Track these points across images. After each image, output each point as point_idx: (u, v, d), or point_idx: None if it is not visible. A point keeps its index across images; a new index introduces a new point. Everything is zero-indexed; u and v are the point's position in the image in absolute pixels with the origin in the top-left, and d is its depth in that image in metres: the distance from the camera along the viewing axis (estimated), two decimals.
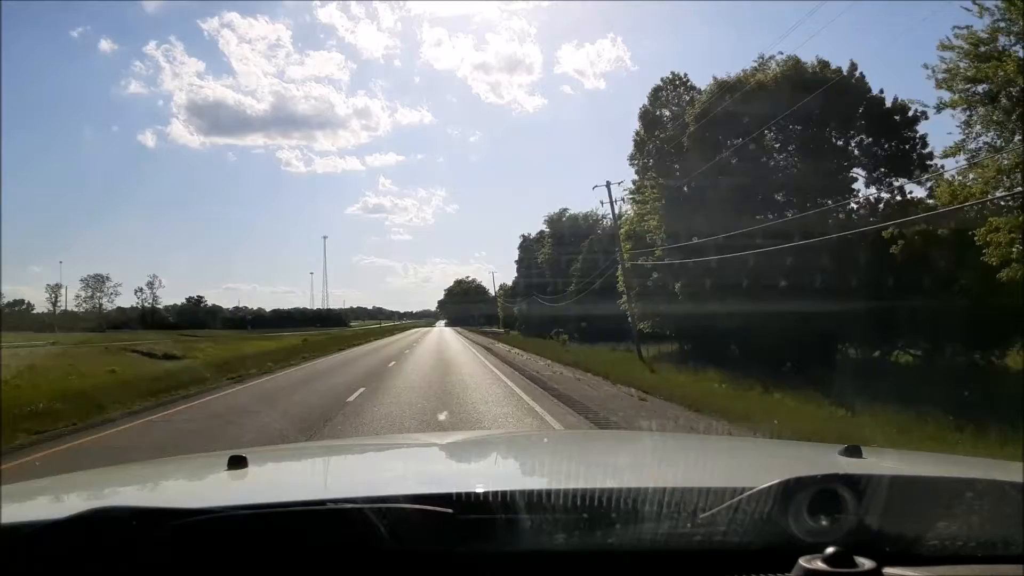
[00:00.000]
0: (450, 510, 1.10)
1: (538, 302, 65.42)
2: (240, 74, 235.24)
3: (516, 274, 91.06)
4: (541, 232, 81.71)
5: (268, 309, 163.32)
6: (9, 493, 1.55)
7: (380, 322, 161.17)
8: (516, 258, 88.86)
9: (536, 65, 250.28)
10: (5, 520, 1.14)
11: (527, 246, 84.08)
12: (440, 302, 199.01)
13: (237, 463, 1.71)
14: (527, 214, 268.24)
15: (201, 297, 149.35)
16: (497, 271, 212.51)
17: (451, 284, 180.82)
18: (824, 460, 1.89)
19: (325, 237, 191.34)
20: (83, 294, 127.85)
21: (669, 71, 41.59)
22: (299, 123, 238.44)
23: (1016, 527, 1.11)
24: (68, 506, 1.49)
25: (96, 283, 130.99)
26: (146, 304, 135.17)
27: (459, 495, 1.19)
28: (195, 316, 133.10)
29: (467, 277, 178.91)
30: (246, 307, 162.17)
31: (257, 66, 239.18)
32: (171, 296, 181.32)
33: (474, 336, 75.62)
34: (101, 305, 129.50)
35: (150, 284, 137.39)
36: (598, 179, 77.63)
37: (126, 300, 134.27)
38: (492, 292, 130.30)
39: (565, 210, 70.75)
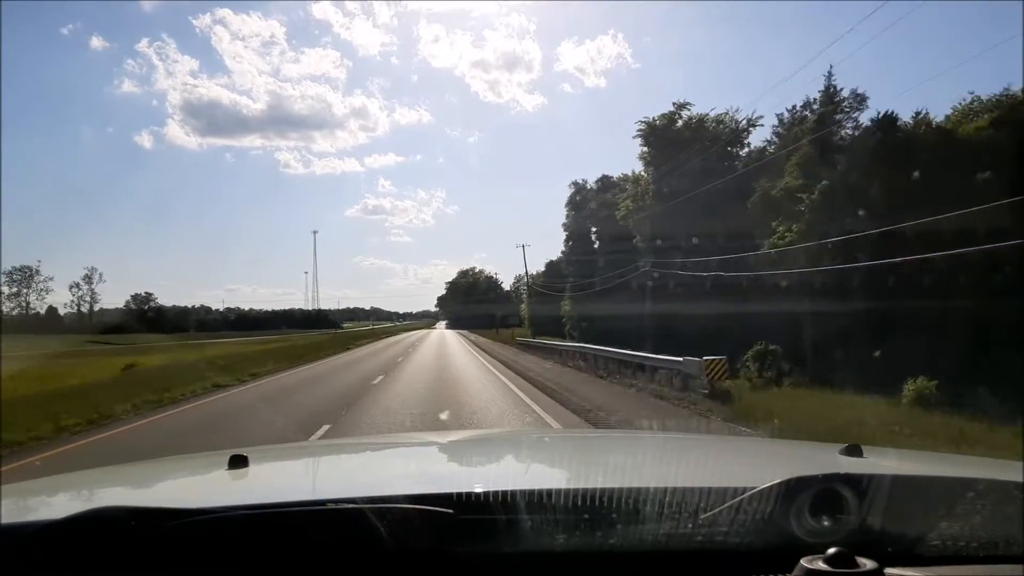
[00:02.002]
0: (450, 510, 1.10)
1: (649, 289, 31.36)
2: (235, 73, 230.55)
3: (563, 248, 56.96)
4: (602, 181, 52.55)
5: (269, 310, 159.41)
6: (9, 493, 1.53)
7: (336, 327, 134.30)
8: (563, 220, 56.19)
9: (535, 63, 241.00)
10: (5, 520, 1.14)
11: (581, 202, 54.32)
12: (440, 299, 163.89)
13: (238, 462, 1.69)
14: (527, 214, 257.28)
15: (150, 294, 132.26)
16: (518, 256, 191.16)
17: (454, 276, 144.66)
18: (825, 460, 1.87)
19: (315, 232, 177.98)
20: (6, 290, 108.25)
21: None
22: (296, 123, 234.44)
23: (1017, 527, 1.10)
24: (68, 506, 1.48)
25: (23, 277, 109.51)
26: (83, 302, 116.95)
27: (459, 495, 1.18)
28: (144, 316, 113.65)
29: (473, 268, 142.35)
30: (237, 308, 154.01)
31: (252, 64, 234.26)
32: (170, 297, 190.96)
33: (531, 368, 24.47)
34: (28, 303, 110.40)
35: (87, 279, 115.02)
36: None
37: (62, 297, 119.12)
38: (521, 277, 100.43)
39: (683, 107, 36.72)
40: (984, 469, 1.74)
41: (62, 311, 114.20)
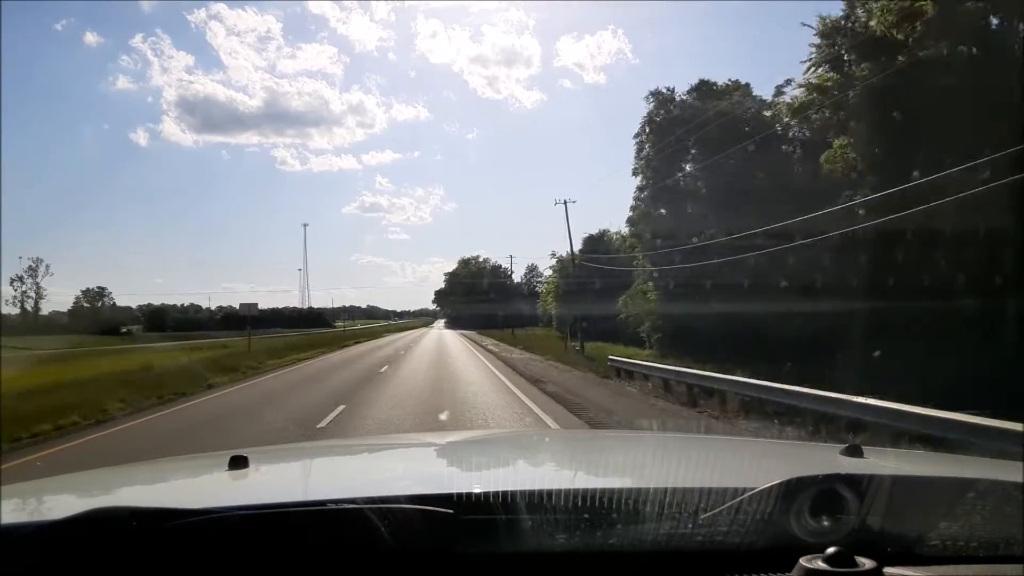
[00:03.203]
0: (451, 510, 1.09)
1: None
2: (230, 68, 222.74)
3: (633, 200, 33.90)
4: (700, 89, 32.37)
5: (261, 308, 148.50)
6: (9, 493, 1.52)
7: (330, 326, 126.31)
8: (637, 142, 32.88)
9: (535, 58, 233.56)
10: (5, 520, 1.14)
11: (665, 124, 33.53)
12: (438, 293, 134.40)
13: (238, 463, 1.67)
14: (527, 212, 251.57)
15: (103, 288, 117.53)
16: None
17: (455, 266, 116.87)
18: (825, 460, 1.86)
19: (305, 225, 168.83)
20: None
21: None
22: (293, 120, 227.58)
23: (1017, 527, 1.10)
24: (68, 506, 1.47)
25: None
26: (27, 297, 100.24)
27: (460, 495, 1.18)
28: (98, 313, 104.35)
29: (477, 256, 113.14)
30: (229, 306, 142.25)
31: (248, 60, 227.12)
32: (165, 296, 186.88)
33: None
34: None
35: (32, 271, 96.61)
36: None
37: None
38: (535, 268, 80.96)
39: None
40: (984, 469, 1.75)
41: (6, 309, 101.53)
